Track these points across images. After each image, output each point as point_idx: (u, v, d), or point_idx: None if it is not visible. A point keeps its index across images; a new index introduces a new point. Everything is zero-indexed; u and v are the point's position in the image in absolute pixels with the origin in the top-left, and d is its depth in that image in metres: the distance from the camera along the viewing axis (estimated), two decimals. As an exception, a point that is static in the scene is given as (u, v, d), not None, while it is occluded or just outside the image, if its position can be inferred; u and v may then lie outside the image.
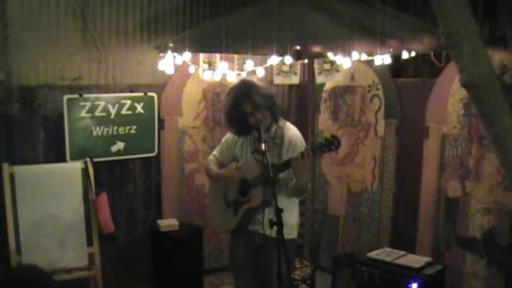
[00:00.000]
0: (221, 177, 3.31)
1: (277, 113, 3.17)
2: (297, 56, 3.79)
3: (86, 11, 4.28)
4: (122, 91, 4.48)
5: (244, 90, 3.10)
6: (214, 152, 3.45)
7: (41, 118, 4.17)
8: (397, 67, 4.61)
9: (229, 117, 3.20)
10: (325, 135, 4.85)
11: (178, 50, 3.97)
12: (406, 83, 4.57)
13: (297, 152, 2.98)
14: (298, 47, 3.71)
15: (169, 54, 4.07)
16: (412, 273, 3.65)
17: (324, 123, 5.03)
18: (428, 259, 3.84)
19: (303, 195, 3.23)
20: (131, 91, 4.51)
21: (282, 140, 3.15)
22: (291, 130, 3.21)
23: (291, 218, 3.17)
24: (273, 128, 3.18)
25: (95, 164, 4.15)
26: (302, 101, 5.03)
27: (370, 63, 4.38)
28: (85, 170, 4.09)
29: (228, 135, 3.38)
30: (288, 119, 4.67)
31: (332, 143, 2.89)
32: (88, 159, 4.12)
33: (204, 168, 3.55)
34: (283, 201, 2.95)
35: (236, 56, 4.54)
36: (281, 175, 3.06)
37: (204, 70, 4.46)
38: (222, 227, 3.42)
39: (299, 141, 3.16)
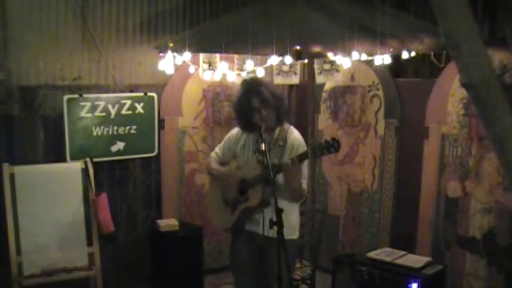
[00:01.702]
0: (221, 174, 3.31)
1: (283, 115, 3.20)
2: (297, 56, 3.79)
3: (86, 11, 4.28)
4: (122, 91, 4.48)
5: (256, 84, 3.19)
6: (216, 149, 3.46)
7: (41, 118, 4.17)
8: (397, 67, 4.61)
9: (237, 110, 3.25)
10: (326, 135, 4.87)
11: (178, 50, 3.97)
12: (406, 83, 4.56)
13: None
14: (298, 47, 3.71)
15: (169, 54, 4.07)
16: (412, 273, 3.65)
17: (324, 123, 5.03)
18: (428, 259, 3.84)
19: (301, 200, 3.22)
20: (131, 91, 4.51)
21: (284, 143, 3.16)
22: (294, 134, 3.23)
23: (292, 218, 3.17)
24: (277, 130, 3.19)
25: (95, 164, 4.15)
26: (302, 101, 5.02)
27: (370, 63, 4.38)
28: (85, 170, 4.09)
29: (231, 134, 3.39)
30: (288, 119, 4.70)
31: (332, 146, 2.89)
32: (88, 159, 4.12)
33: (206, 165, 3.57)
34: (283, 202, 2.96)
35: (236, 56, 4.54)
36: (281, 178, 3.06)
37: (204, 70, 4.45)
38: (220, 224, 3.43)
39: (301, 146, 3.17)
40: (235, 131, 3.36)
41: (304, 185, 3.10)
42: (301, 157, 2.92)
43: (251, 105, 3.12)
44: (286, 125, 3.24)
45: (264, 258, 3.20)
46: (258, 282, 3.26)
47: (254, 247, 3.23)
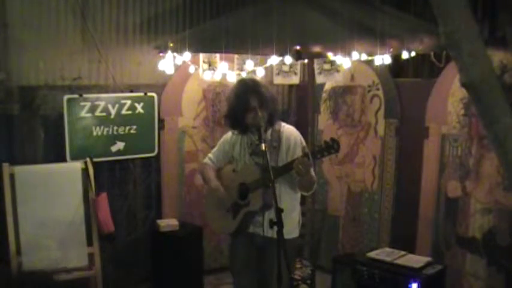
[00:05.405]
0: (220, 189, 3.27)
1: (274, 117, 3.17)
2: (297, 56, 3.79)
3: (86, 11, 4.28)
4: (122, 91, 4.48)
5: (255, 85, 3.14)
6: (210, 155, 3.42)
7: (41, 118, 4.17)
8: (397, 67, 4.61)
9: (231, 108, 3.17)
10: (326, 135, 4.87)
11: (178, 50, 3.97)
12: (406, 83, 4.57)
13: (298, 152, 2.98)
14: (298, 47, 3.71)
15: (169, 54, 4.07)
16: (412, 273, 3.65)
17: (324, 123, 5.03)
18: (428, 259, 3.84)
19: (312, 189, 3.17)
20: (131, 91, 4.51)
21: (279, 143, 3.14)
22: (287, 130, 3.20)
23: (293, 216, 3.16)
24: (269, 132, 3.17)
25: (95, 164, 4.15)
26: (302, 101, 5.03)
27: (370, 63, 4.38)
28: (85, 170, 4.08)
29: (225, 139, 3.36)
30: (287, 119, 4.70)
31: (332, 147, 2.88)
32: (88, 159, 4.11)
33: (200, 172, 3.54)
34: (285, 200, 2.95)
35: (236, 56, 4.54)
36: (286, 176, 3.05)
37: (204, 70, 4.45)
38: (221, 229, 3.41)
39: (298, 140, 3.16)
40: (229, 135, 3.33)
41: (313, 172, 3.06)
42: (313, 153, 2.89)
43: (249, 105, 3.06)
44: (277, 125, 3.20)
45: (263, 258, 3.19)
46: (258, 282, 3.26)
47: (253, 248, 3.23)
